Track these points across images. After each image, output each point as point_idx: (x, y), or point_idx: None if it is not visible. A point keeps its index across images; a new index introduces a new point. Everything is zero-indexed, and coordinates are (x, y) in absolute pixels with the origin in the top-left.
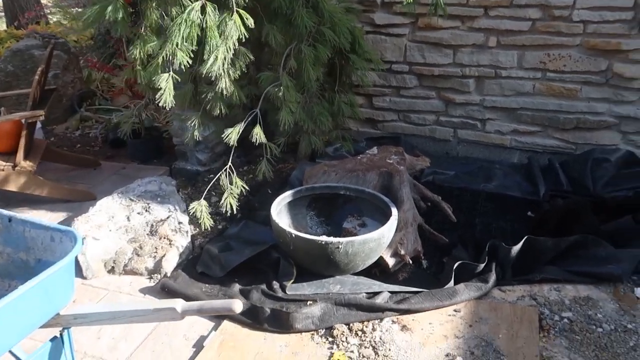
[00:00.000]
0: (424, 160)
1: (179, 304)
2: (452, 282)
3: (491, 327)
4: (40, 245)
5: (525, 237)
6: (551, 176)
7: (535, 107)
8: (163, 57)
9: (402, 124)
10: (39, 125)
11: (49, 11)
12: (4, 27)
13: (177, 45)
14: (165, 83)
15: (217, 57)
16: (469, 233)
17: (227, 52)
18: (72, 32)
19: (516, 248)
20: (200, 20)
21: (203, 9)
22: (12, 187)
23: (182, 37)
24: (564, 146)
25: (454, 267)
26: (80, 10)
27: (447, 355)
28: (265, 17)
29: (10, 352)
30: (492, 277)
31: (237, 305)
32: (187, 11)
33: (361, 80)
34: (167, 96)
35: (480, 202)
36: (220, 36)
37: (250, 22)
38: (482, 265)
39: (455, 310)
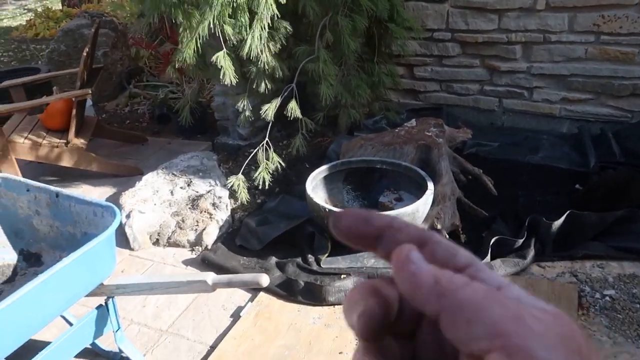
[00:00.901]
0: (466, 132)
1: (210, 277)
2: (488, 257)
3: None
4: (84, 219)
5: (568, 212)
6: (603, 146)
7: (587, 73)
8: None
9: (444, 94)
10: (89, 102)
11: None
12: (59, 6)
13: (211, 23)
14: (224, 61)
15: (253, 37)
16: (511, 207)
17: (262, 31)
18: (120, 10)
19: (557, 223)
20: None
21: None
22: (65, 163)
23: (215, 13)
24: (618, 114)
25: (491, 242)
26: None
27: None
28: None
29: (62, 316)
30: (531, 253)
31: (264, 279)
32: None
33: (401, 50)
34: (229, 74)
35: (524, 175)
36: (250, 12)
37: None
38: (520, 241)
39: None
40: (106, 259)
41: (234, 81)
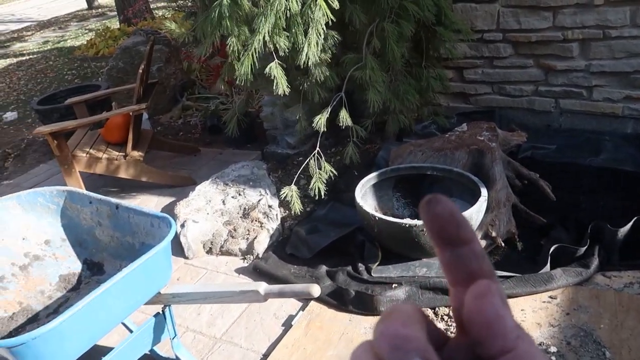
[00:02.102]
0: (520, 135)
1: (262, 287)
2: (547, 266)
3: (591, 316)
4: (142, 229)
5: (635, 218)
6: None
7: None
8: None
9: (496, 96)
10: (145, 116)
11: (154, 6)
12: (117, 25)
13: (264, 35)
14: (276, 71)
15: (310, 44)
16: (571, 213)
17: (319, 37)
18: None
19: (624, 230)
20: (286, 7)
21: None
22: (124, 175)
23: (269, 26)
24: None
25: (550, 251)
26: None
27: (540, 344)
28: None
29: (123, 324)
30: (595, 262)
31: (315, 290)
32: (270, 1)
33: (450, 53)
34: (282, 84)
35: (585, 179)
36: (304, 23)
37: (336, 4)
38: (583, 249)
39: (550, 297)
40: (163, 268)
41: (287, 91)
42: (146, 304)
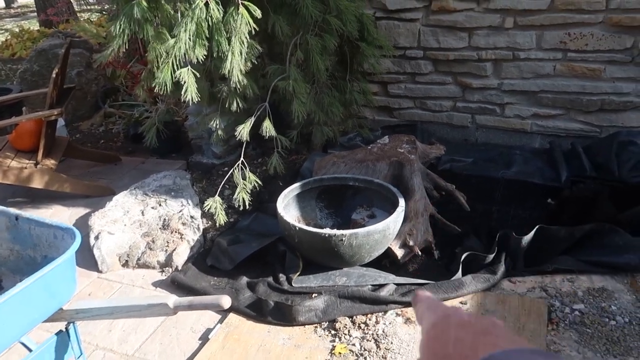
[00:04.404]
0: (439, 148)
1: (171, 299)
2: (459, 273)
3: None
4: (45, 242)
5: (537, 227)
6: (574, 161)
7: (556, 89)
8: (178, 57)
9: (418, 111)
10: (61, 122)
11: (79, 8)
12: (37, 26)
13: (186, 43)
14: (187, 77)
15: (233, 53)
16: (484, 222)
17: (242, 46)
18: (88, 31)
19: (527, 238)
20: (206, 15)
21: (207, 5)
22: (35, 184)
23: (189, 34)
24: (588, 129)
25: (462, 259)
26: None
27: None
28: (270, 7)
29: (22, 343)
30: (501, 269)
31: (226, 301)
32: (192, 8)
33: (373, 68)
34: (192, 90)
35: (498, 190)
36: (227, 32)
37: (258, 13)
38: (491, 256)
39: (461, 303)
40: (65, 282)
41: (196, 98)
42: (47, 321)
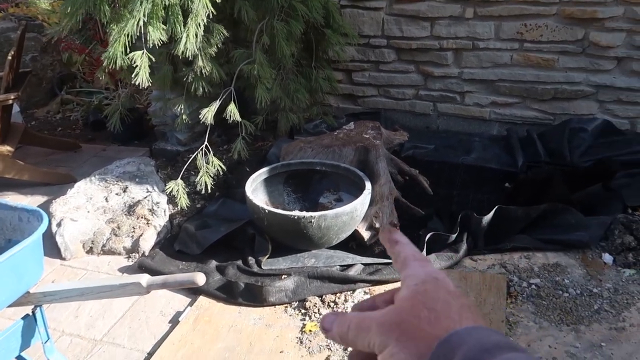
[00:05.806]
0: (402, 134)
1: (144, 278)
2: (424, 252)
3: None
4: (9, 225)
5: (496, 207)
6: (529, 147)
7: (513, 79)
8: (131, 35)
9: (382, 99)
10: (17, 109)
11: None
12: None
13: (141, 21)
14: (140, 61)
15: (188, 35)
16: (446, 205)
17: (198, 29)
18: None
19: (487, 218)
20: None
21: None
22: None
23: (144, 14)
24: (542, 117)
25: (427, 238)
26: None
27: None
28: None
29: None
30: (463, 247)
31: (200, 278)
32: None
33: (338, 56)
34: (143, 74)
35: (459, 175)
36: (185, 15)
37: None
38: (454, 236)
39: None
40: (32, 265)
41: (147, 82)
42: (13, 305)
